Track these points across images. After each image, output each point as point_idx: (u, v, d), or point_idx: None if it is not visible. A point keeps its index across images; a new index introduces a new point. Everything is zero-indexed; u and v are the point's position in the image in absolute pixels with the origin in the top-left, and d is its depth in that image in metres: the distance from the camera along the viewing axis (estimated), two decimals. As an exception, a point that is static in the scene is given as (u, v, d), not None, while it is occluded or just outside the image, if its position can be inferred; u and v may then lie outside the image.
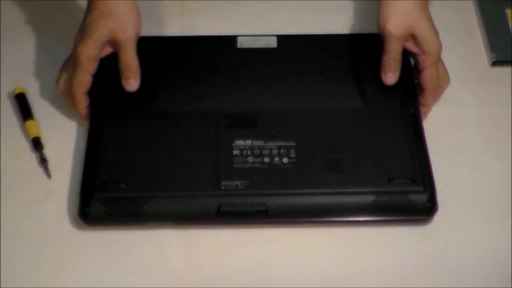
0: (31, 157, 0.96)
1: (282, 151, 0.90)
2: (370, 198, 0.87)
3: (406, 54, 0.98)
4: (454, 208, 0.91)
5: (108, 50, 0.94)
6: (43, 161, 0.95)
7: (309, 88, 0.96)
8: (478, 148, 0.97)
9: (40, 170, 0.95)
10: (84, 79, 0.93)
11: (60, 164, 0.95)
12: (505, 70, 1.05)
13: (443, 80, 0.97)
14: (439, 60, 0.96)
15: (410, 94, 0.96)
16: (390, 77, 0.96)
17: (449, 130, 0.99)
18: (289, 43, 1.01)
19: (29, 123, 0.98)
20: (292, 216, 0.87)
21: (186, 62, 0.99)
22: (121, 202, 0.87)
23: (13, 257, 0.87)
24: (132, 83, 0.95)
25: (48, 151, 0.96)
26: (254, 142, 0.91)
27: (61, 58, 0.99)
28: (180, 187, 0.88)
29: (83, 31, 0.93)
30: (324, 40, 1.02)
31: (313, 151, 0.90)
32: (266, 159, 0.90)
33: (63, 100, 0.97)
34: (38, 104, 1.00)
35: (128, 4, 0.93)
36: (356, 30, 1.08)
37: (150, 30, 1.05)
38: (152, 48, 1.00)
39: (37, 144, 0.96)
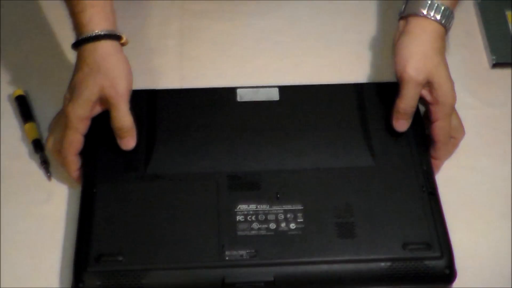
0: (32, 159, 0.95)
1: (288, 215, 0.85)
2: (384, 266, 0.82)
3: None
4: (455, 210, 0.90)
5: (99, 109, 0.89)
6: (43, 163, 0.94)
7: (314, 144, 0.91)
8: (479, 150, 0.97)
9: (40, 172, 0.94)
10: (75, 140, 0.88)
11: (60, 166, 0.93)
12: (505, 72, 1.05)
13: (457, 132, 0.93)
14: (452, 112, 0.91)
15: (421, 149, 0.92)
16: (402, 124, 0.91)
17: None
18: (292, 94, 0.96)
19: (30, 125, 0.97)
20: (302, 287, 0.82)
21: (183, 118, 0.94)
22: (118, 276, 0.81)
23: (13, 258, 0.87)
24: (128, 142, 0.90)
25: (48, 153, 0.94)
26: (258, 206, 0.86)
27: (62, 59, 1.02)
28: (181, 259, 0.82)
29: (72, 90, 0.88)
30: (328, 90, 0.97)
31: (322, 215, 0.85)
32: (272, 225, 0.85)
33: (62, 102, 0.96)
34: (39, 106, 1.00)
35: (118, 58, 0.88)
36: (364, 79, 1.04)
37: (149, 32, 1.08)
38: (147, 103, 0.95)
39: (37, 146, 0.95)
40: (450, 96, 0.90)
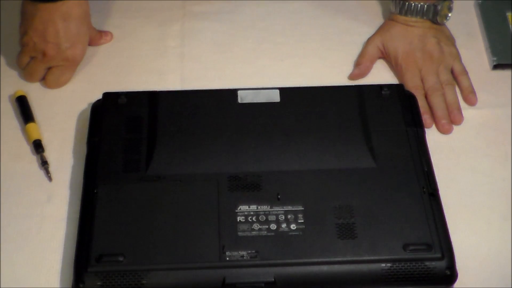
0: (32, 160, 0.95)
1: (289, 216, 0.85)
2: (385, 267, 0.82)
3: (416, 104, 0.96)
4: (455, 210, 0.90)
5: None
6: (44, 163, 0.94)
7: (315, 145, 0.92)
8: (479, 151, 0.97)
9: (41, 173, 0.94)
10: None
11: (61, 166, 0.94)
12: (506, 74, 1.05)
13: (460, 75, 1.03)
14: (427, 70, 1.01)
15: (422, 150, 0.92)
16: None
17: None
18: (292, 96, 0.96)
19: (30, 125, 0.98)
20: (303, 287, 0.82)
21: (184, 120, 0.94)
22: (119, 276, 0.81)
23: (13, 258, 0.86)
24: None
25: (49, 154, 0.95)
26: (259, 207, 0.86)
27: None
28: (182, 259, 0.82)
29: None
30: (329, 92, 0.98)
31: (322, 216, 0.85)
32: (273, 226, 0.85)
33: (64, 103, 1.01)
34: (39, 107, 1.00)
35: None
36: (364, 81, 1.04)
37: (150, 33, 1.09)
38: (148, 104, 0.95)
39: (38, 146, 0.96)
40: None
